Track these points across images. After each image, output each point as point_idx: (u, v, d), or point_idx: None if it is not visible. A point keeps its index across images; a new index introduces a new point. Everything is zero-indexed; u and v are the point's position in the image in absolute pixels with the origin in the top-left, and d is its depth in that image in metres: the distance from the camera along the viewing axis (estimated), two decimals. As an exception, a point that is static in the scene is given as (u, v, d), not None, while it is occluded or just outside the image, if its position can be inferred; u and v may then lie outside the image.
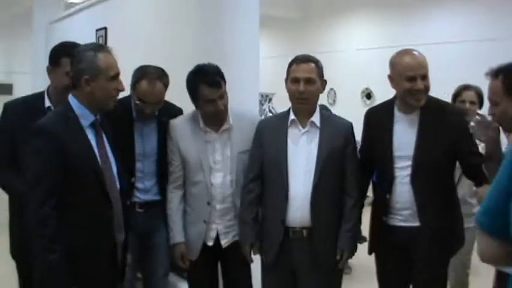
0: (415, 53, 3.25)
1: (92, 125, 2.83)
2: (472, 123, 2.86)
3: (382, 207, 3.30)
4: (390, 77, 3.29)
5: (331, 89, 10.96)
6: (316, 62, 3.28)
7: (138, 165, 3.58)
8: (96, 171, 2.76)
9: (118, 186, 2.91)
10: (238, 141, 3.48)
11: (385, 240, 3.33)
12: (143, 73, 3.47)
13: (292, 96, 3.29)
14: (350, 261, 3.53)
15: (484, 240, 1.80)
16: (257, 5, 4.35)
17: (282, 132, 3.32)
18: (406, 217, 3.25)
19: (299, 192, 3.22)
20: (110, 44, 6.76)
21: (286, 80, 3.33)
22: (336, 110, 6.01)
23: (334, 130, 3.28)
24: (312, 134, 3.29)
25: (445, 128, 3.19)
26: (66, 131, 2.70)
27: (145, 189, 3.62)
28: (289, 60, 3.36)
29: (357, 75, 10.25)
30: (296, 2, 11.70)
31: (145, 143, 3.60)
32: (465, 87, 4.32)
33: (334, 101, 10.82)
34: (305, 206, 3.21)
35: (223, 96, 3.38)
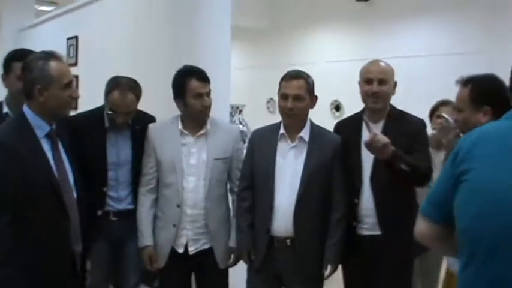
0: (381, 62, 3.40)
1: (48, 135, 2.78)
2: (435, 126, 2.95)
3: (352, 214, 3.37)
4: (359, 84, 3.42)
5: (316, 98, 11.05)
6: (306, 78, 3.33)
7: (111, 174, 3.58)
8: (53, 184, 2.70)
9: (75, 195, 2.85)
10: (215, 148, 3.50)
11: (353, 249, 3.40)
12: (115, 84, 3.49)
13: (281, 112, 3.36)
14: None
15: (423, 224, 2.05)
16: (229, 17, 4.42)
17: (272, 144, 3.38)
18: (371, 225, 3.34)
19: (284, 204, 3.29)
20: (81, 53, 6.78)
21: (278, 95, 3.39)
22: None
23: (322, 145, 3.34)
24: (299, 149, 3.35)
25: (405, 135, 3.30)
26: (21, 143, 2.64)
27: (119, 198, 3.61)
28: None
29: (326, 87, 10.23)
30: (267, 14, 11.74)
31: (119, 151, 3.61)
32: (443, 103, 4.39)
33: (304, 113, 10.90)
34: (289, 217, 3.27)
35: (209, 93, 3.45)
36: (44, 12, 10.32)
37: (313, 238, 3.32)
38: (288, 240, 3.30)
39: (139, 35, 5.25)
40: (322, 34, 10.97)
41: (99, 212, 3.55)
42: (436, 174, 4.06)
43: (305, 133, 3.34)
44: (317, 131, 3.39)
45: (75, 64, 6.87)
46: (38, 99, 2.71)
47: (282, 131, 3.38)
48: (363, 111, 3.50)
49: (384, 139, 3.05)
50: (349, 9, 10.21)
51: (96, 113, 3.59)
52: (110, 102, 3.48)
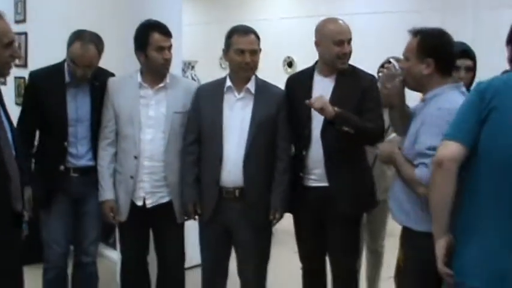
0: (340, 21, 3.47)
1: None
2: (381, 69, 3.02)
3: (298, 164, 3.47)
4: (317, 43, 3.46)
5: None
6: (256, 33, 3.41)
7: (71, 130, 3.59)
8: None
9: (14, 154, 2.84)
10: (174, 101, 3.54)
11: (301, 200, 3.51)
12: (78, 36, 3.50)
13: (237, 66, 3.39)
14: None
15: (454, 146, 2.31)
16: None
17: (219, 98, 3.44)
18: (319, 176, 3.43)
19: (233, 154, 3.37)
20: (29, 9, 6.59)
21: (226, 50, 3.43)
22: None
23: (267, 98, 3.42)
24: (246, 100, 3.43)
25: (356, 90, 3.42)
26: None
27: (78, 154, 3.63)
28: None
29: (279, 43, 10.31)
30: (220, -30, 11.64)
31: (78, 107, 3.61)
32: (392, 58, 4.44)
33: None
34: (238, 167, 3.36)
35: (171, 48, 3.50)
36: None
37: (261, 188, 3.41)
38: (237, 191, 3.38)
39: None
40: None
41: (62, 167, 3.57)
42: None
43: (251, 85, 3.42)
44: (262, 84, 3.48)
45: (24, 21, 6.67)
46: None
47: (228, 83, 3.45)
48: (314, 64, 3.57)
49: (321, 102, 3.17)
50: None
51: (57, 68, 3.61)
52: (71, 53, 3.49)
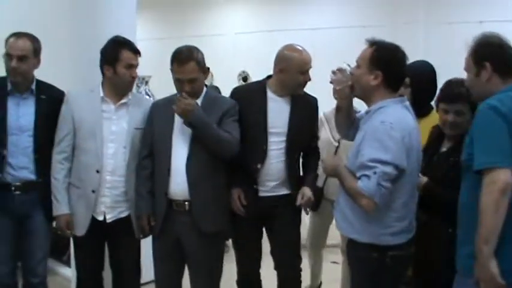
0: (304, 50, 3.62)
1: None
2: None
3: (252, 177, 3.59)
4: (282, 70, 3.56)
5: (208, 69, 11.08)
6: (196, 58, 3.37)
7: (12, 138, 3.54)
8: None
9: None
10: (135, 118, 3.55)
11: (252, 209, 3.60)
12: (13, 33, 3.57)
13: (178, 92, 3.43)
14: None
15: (507, 173, 2.33)
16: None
17: (170, 112, 3.44)
18: (274, 187, 3.63)
19: (179, 167, 3.38)
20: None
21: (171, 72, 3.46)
22: (214, 93, 6.16)
23: (212, 108, 3.43)
24: None
25: (310, 112, 3.75)
26: None
27: (18, 165, 3.56)
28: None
29: (234, 58, 10.37)
30: (176, -16, 11.65)
31: (20, 116, 3.57)
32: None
33: (211, 83, 10.87)
34: (183, 179, 3.37)
35: (137, 66, 3.54)
36: None
37: (208, 196, 3.41)
38: (186, 203, 3.39)
39: (36, 6, 5.12)
40: (231, 5, 10.99)
41: None
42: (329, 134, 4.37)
43: (199, 100, 3.43)
44: (211, 96, 3.53)
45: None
46: None
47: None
48: (264, 81, 3.70)
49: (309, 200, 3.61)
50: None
51: (0, 78, 3.60)
52: (6, 47, 3.53)
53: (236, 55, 10.38)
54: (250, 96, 3.65)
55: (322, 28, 9.12)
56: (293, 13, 9.71)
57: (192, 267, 3.54)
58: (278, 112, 3.60)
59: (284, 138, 3.61)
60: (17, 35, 3.54)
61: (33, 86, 3.62)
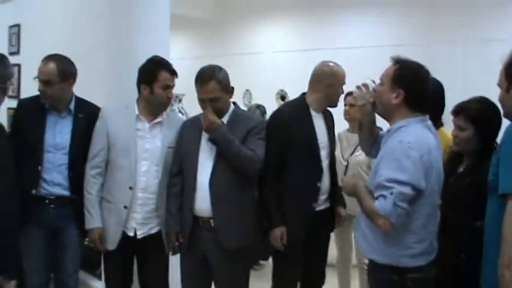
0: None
1: None
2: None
3: (312, 195, 3.73)
4: (330, 85, 3.76)
5: (247, 90, 11.12)
6: (217, 77, 3.45)
7: (48, 155, 3.68)
8: None
9: None
10: (168, 137, 3.65)
11: (312, 227, 3.72)
12: (45, 56, 3.71)
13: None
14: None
15: None
16: (168, 8, 4.50)
17: (198, 130, 3.54)
18: (322, 202, 3.80)
19: (203, 184, 3.45)
20: (23, 41, 6.71)
21: None
22: (251, 111, 6.23)
23: (238, 126, 3.50)
24: None
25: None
26: None
27: (53, 181, 3.69)
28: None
29: (272, 77, 10.42)
30: (213, 3, 11.77)
31: (57, 135, 3.71)
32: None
33: (249, 101, 10.95)
34: (207, 196, 3.44)
35: (174, 87, 3.64)
36: (-14, -1, 10.10)
37: (231, 213, 3.46)
38: (211, 220, 3.45)
39: (78, 24, 5.28)
40: (269, 24, 11.06)
41: (33, 191, 3.62)
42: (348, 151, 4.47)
43: (226, 118, 3.50)
44: (238, 114, 3.59)
45: (18, 53, 6.79)
46: None
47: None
48: (303, 99, 3.82)
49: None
50: (294, 0, 10.34)
51: (37, 97, 3.72)
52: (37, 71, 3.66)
53: (274, 74, 10.44)
54: (297, 114, 3.74)
55: (357, 47, 9.10)
56: (329, 32, 9.73)
57: (218, 283, 3.59)
58: (321, 128, 3.79)
59: (327, 152, 3.79)
60: (46, 58, 3.66)
61: (72, 105, 3.74)
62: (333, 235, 4.46)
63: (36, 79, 3.66)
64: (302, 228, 3.69)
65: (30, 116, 3.73)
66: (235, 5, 11.62)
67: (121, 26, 4.41)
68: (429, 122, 2.88)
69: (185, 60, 10.54)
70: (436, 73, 6.97)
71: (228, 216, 3.45)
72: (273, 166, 3.60)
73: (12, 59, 6.72)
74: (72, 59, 3.77)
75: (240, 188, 3.49)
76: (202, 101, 3.45)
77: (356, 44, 9.15)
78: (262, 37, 11.15)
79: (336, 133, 4.28)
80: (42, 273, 3.77)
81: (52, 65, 3.62)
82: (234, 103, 3.67)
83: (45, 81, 3.63)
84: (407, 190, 2.62)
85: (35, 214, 3.62)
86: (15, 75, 6.61)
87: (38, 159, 3.65)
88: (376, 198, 2.69)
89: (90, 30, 5.00)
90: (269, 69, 10.75)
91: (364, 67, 8.62)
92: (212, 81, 3.42)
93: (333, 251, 4.77)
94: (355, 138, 4.22)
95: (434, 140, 2.82)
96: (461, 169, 3.11)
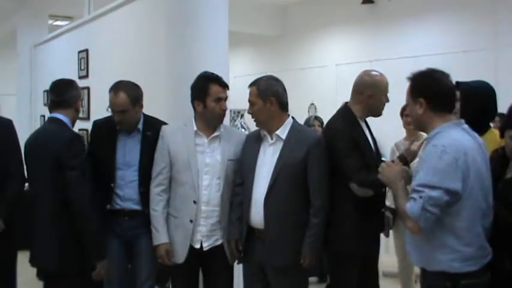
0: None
1: None
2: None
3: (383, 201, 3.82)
4: (372, 95, 3.63)
5: (312, 103, 11.17)
6: (258, 84, 3.56)
7: (120, 173, 3.86)
8: None
9: None
10: (227, 150, 3.71)
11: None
12: (113, 85, 3.85)
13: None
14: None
15: None
16: (226, 27, 4.62)
17: (257, 143, 3.62)
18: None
19: (259, 197, 3.50)
20: (91, 65, 6.98)
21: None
22: (317, 124, 6.26)
23: (297, 142, 3.51)
24: (277, 145, 3.55)
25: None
26: None
27: (125, 196, 3.86)
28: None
29: (336, 89, 10.45)
30: (274, 20, 11.91)
31: (127, 153, 3.88)
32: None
33: (314, 115, 10.99)
34: (261, 210, 3.48)
35: (227, 99, 3.72)
36: (57, 27, 10.55)
37: (283, 230, 3.48)
38: (265, 232, 3.49)
39: (140, 47, 5.49)
40: (330, 38, 11.12)
41: (108, 206, 3.83)
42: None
43: (282, 131, 3.54)
44: (297, 129, 3.59)
45: (87, 76, 7.09)
46: None
47: (263, 131, 3.61)
48: (348, 111, 3.70)
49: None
50: (355, 13, 10.36)
51: (111, 118, 3.90)
52: (109, 102, 3.82)
53: (338, 86, 10.46)
54: (355, 131, 3.64)
55: (422, 55, 9.02)
56: (393, 42, 9.70)
57: None
58: (369, 136, 3.73)
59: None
60: (116, 89, 3.80)
61: (140, 125, 3.90)
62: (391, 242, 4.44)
63: (109, 109, 3.85)
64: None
65: (103, 136, 3.95)
66: (296, 20, 11.74)
67: (179, 46, 4.57)
68: (465, 126, 2.85)
69: (248, 76, 10.71)
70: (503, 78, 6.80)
71: (279, 234, 3.49)
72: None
73: (82, 83, 7.07)
74: (134, 80, 3.93)
75: (295, 208, 3.52)
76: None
77: (421, 52, 9.07)
78: (325, 50, 11.21)
79: (393, 143, 4.25)
80: (119, 280, 3.95)
81: (122, 95, 3.78)
82: (293, 117, 3.69)
83: (120, 111, 3.80)
84: (437, 194, 2.61)
85: (110, 226, 3.85)
86: (85, 98, 6.89)
87: (111, 177, 3.86)
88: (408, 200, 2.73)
89: (150, 52, 5.21)
90: (333, 82, 10.78)
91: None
92: (252, 86, 3.60)
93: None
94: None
95: (471, 141, 2.78)
96: (509, 175, 3.01)
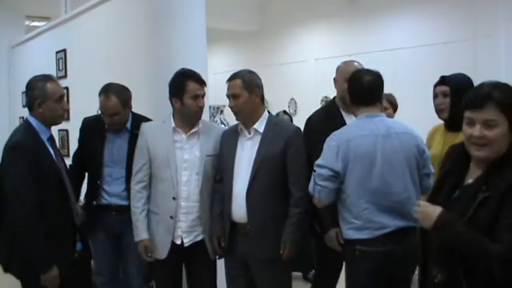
0: (354, 62, 3.92)
1: (48, 139, 3.51)
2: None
3: None
4: (336, 81, 3.87)
5: (292, 98, 11.16)
6: (242, 76, 3.57)
7: (107, 170, 3.98)
8: (56, 171, 3.47)
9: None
10: (206, 145, 3.72)
11: None
12: (103, 89, 3.91)
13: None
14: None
15: None
16: (204, 23, 4.63)
17: (234, 138, 3.65)
18: None
19: (239, 191, 3.53)
20: (69, 65, 6.93)
21: None
22: (297, 119, 6.28)
23: (275, 135, 3.55)
24: (255, 139, 3.58)
25: None
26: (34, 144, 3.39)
27: (112, 192, 3.97)
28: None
29: (316, 84, 10.44)
30: (253, 15, 11.88)
31: (115, 151, 3.98)
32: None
33: (295, 110, 11.00)
34: (242, 203, 3.51)
35: (204, 95, 3.72)
36: (34, 27, 10.47)
37: (265, 223, 3.51)
38: (248, 226, 3.51)
39: (119, 46, 5.48)
40: (309, 32, 11.11)
41: (94, 202, 3.97)
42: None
43: (259, 125, 3.58)
44: (274, 122, 3.62)
45: (65, 76, 7.04)
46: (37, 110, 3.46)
47: (240, 125, 3.64)
48: (332, 103, 3.90)
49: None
50: (334, 6, 10.35)
51: (100, 116, 4.00)
52: (99, 104, 3.90)
53: (317, 81, 10.46)
54: (333, 121, 3.72)
55: (401, 48, 9.06)
56: (373, 36, 9.71)
57: None
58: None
59: None
60: (106, 93, 3.86)
61: (129, 124, 3.98)
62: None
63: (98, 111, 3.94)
64: None
65: (92, 134, 4.05)
66: (274, 14, 11.73)
67: (158, 43, 4.58)
68: (377, 118, 3.27)
69: (227, 73, 10.70)
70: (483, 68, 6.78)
71: (262, 226, 3.52)
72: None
73: (61, 83, 7.02)
74: (114, 79, 3.96)
75: (276, 200, 3.54)
76: (228, 98, 3.60)
77: (401, 45, 9.10)
78: (304, 45, 11.20)
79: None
80: (109, 274, 4.10)
81: (114, 99, 3.84)
82: (268, 111, 3.71)
83: (112, 115, 3.87)
84: (323, 171, 3.15)
85: (99, 221, 4.00)
86: (64, 98, 6.84)
87: (98, 174, 3.98)
88: None
89: (129, 50, 5.21)
90: (312, 77, 10.79)
91: (412, 68, 8.69)
92: (237, 79, 3.58)
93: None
94: None
95: (367, 131, 3.20)
96: (470, 180, 2.36)
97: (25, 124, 3.50)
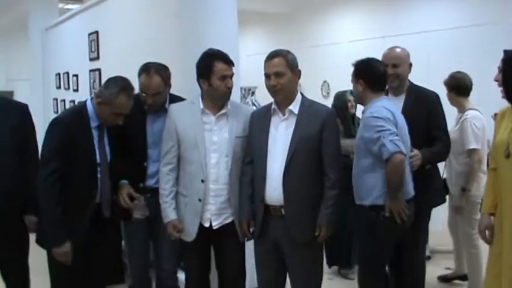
0: (397, 48, 4.08)
1: (97, 127, 3.57)
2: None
3: None
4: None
5: (325, 81, 11.10)
6: (285, 55, 3.51)
7: (148, 151, 3.92)
8: (92, 163, 3.55)
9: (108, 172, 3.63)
10: (235, 127, 3.68)
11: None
12: (144, 68, 3.84)
13: (268, 91, 3.57)
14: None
15: None
16: (235, 5, 4.61)
17: (266, 119, 3.59)
18: None
19: (274, 173, 3.48)
20: (102, 47, 6.96)
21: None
22: (330, 101, 6.21)
23: (311, 116, 3.50)
24: (290, 120, 3.53)
25: (422, 107, 3.97)
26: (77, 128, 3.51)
27: (150, 174, 3.92)
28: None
29: (349, 67, 10.34)
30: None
31: (153, 132, 3.92)
32: None
33: (328, 93, 10.94)
34: (278, 185, 3.46)
35: (233, 76, 3.66)
36: (67, 10, 10.55)
37: (302, 205, 3.47)
38: (282, 209, 3.48)
39: (151, 27, 5.49)
40: (342, 15, 11.03)
41: (141, 185, 3.89)
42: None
43: (294, 106, 3.52)
44: (308, 104, 3.57)
45: (97, 58, 7.09)
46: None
47: (273, 106, 3.58)
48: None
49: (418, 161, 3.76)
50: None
51: (138, 97, 3.84)
52: (140, 84, 3.83)
53: (350, 63, 10.37)
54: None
55: (435, 30, 8.93)
56: (406, 17, 9.60)
57: (290, 274, 3.64)
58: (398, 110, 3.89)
59: None
60: (148, 72, 3.79)
61: (167, 104, 3.90)
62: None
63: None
64: None
65: (133, 115, 3.80)
66: (308, -1, 11.61)
67: (189, 24, 4.56)
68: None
69: (259, 55, 10.66)
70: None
71: (298, 208, 3.48)
72: None
73: (93, 65, 7.06)
74: (145, 61, 3.92)
75: (312, 182, 3.50)
76: (267, 77, 3.52)
77: (433, 27, 8.98)
78: (337, 27, 11.12)
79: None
80: (143, 257, 4.09)
81: (156, 77, 3.78)
82: (301, 93, 3.66)
83: (155, 94, 3.81)
84: (391, 128, 3.47)
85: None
86: (97, 80, 6.89)
87: (143, 156, 3.92)
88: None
89: (160, 31, 5.20)
90: (345, 59, 10.66)
91: (445, 50, 8.57)
92: (279, 56, 3.50)
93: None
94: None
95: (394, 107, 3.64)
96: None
97: (79, 105, 3.58)
